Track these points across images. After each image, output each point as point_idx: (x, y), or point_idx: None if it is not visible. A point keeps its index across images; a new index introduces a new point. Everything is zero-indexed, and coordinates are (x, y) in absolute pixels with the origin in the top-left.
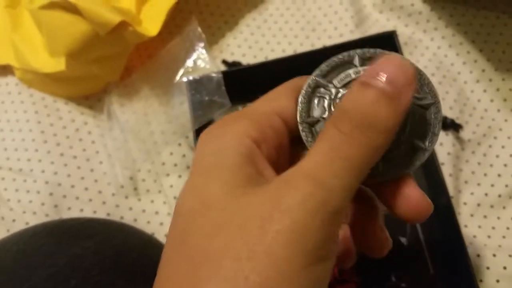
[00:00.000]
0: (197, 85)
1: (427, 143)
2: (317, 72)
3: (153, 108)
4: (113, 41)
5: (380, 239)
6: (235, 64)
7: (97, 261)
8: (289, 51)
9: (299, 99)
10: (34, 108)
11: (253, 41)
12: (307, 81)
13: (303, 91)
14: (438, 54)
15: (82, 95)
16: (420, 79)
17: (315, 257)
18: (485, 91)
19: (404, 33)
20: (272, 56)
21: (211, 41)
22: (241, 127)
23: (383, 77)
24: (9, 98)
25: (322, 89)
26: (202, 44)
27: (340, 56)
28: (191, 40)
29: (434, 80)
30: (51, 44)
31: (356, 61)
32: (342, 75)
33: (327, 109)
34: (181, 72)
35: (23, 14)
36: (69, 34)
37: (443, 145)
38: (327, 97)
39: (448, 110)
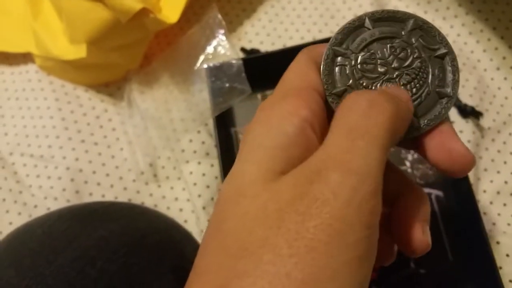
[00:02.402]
0: (217, 72)
1: (450, 90)
2: (332, 41)
3: (173, 96)
4: (134, 28)
5: (419, 241)
6: (253, 51)
7: (123, 243)
8: (308, 38)
9: (321, 72)
10: (54, 96)
11: (271, 29)
12: (325, 52)
13: (323, 63)
14: (457, 41)
15: (102, 82)
16: (430, 32)
17: (356, 250)
18: (505, 78)
19: None
20: (290, 43)
21: (229, 29)
22: (288, 106)
23: None
24: (29, 86)
25: (340, 58)
26: (222, 31)
27: (350, 21)
28: (211, 27)
29: None
30: (71, 32)
31: (368, 23)
32: (358, 40)
33: (350, 76)
34: (201, 59)
35: (43, 2)
36: (90, 21)
37: (463, 133)
38: (348, 64)
39: (468, 97)
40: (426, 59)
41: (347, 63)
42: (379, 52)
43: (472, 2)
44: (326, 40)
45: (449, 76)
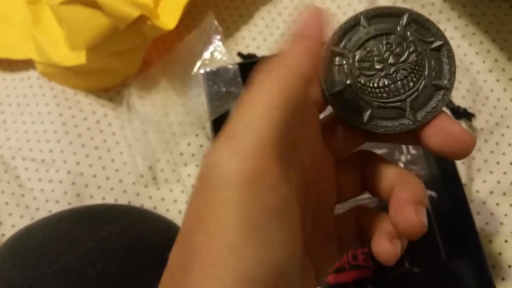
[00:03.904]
0: (214, 77)
1: (446, 82)
2: (329, 42)
3: (171, 100)
4: (132, 34)
5: (412, 221)
6: (250, 56)
7: (123, 243)
8: None
9: (320, 73)
10: (55, 101)
11: (268, 34)
12: (322, 54)
13: (321, 64)
14: (451, 44)
15: (102, 88)
16: (425, 25)
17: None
18: (498, 80)
19: None
20: None
21: (226, 35)
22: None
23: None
24: (30, 92)
25: (338, 58)
26: (218, 37)
27: (346, 21)
28: (208, 33)
29: None
30: (71, 39)
31: (363, 22)
32: (354, 38)
33: (348, 75)
34: (198, 64)
35: (44, 10)
36: (89, 29)
37: None
38: (346, 64)
39: (461, 99)
40: (422, 53)
41: (344, 62)
42: (375, 49)
43: (464, 6)
44: None
45: (446, 68)
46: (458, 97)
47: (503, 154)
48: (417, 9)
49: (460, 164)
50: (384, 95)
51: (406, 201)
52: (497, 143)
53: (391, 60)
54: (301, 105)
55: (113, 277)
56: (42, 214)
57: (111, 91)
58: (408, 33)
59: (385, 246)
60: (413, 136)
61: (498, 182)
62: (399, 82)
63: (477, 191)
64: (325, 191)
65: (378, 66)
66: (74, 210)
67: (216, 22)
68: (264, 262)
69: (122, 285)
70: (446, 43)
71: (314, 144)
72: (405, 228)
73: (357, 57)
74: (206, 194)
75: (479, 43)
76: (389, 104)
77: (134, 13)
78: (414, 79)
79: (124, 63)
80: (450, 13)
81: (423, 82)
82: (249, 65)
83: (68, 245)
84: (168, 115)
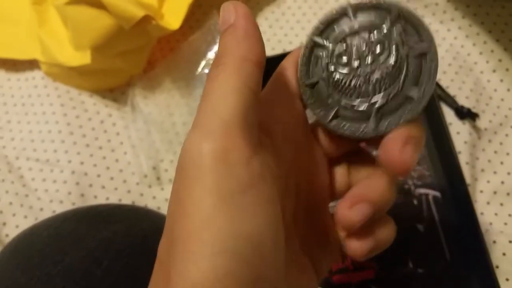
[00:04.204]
0: None
1: (418, 94)
2: (313, 31)
3: (175, 100)
4: (137, 35)
5: (397, 156)
6: None
7: (127, 243)
8: None
9: (299, 62)
10: (59, 101)
11: (272, 34)
12: (306, 41)
13: (301, 53)
14: (454, 44)
15: (107, 88)
16: (415, 25)
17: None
18: (501, 80)
19: None
20: (290, 48)
21: None
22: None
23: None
24: (35, 91)
25: (318, 49)
26: None
27: (333, 11)
28: (212, 33)
29: (451, 70)
30: (76, 39)
31: (350, 13)
32: (338, 31)
33: (324, 68)
34: (202, 64)
35: (49, 10)
36: (94, 29)
37: (460, 134)
38: (324, 56)
39: (464, 99)
40: (403, 56)
41: (324, 54)
42: (355, 44)
43: (468, 6)
44: None
45: (424, 77)
46: (462, 97)
47: (507, 154)
48: (421, 9)
49: (464, 164)
50: (354, 95)
51: (393, 137)
52: (501, 143)
53: (369, 59)
54: (258, 87)
55: (118, 277)
56: (46, 214)
57: (115, 91)
58: (394, 32)
59: (344, 210)
60: (377, 141)
61: (502, 182)
62: (371, 85)
63: (481, 191)
64: (317, 186)
65: (354, 64)
66: (79, 210)
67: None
68: (238, 234)
69: (127, 285)
70: (431, 51)
71: (295, 132)
72: (388, 164)
73: (336, 51)
74: (183, 180)
75: (482, 43)
76: (355, 106)
77: (139, 13)
78: (387, 84)
79: (128, 63)
80: (454, 13)
81: (395, 90)
82: None
83: (73, 245)
84: (172, 115)
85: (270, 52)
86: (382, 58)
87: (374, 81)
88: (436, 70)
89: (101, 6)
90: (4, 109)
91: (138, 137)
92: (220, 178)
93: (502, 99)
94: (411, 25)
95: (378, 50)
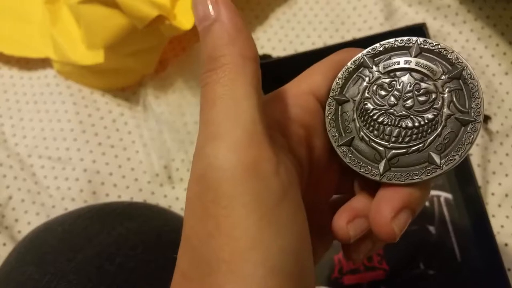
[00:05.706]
0: None
1: (443, 161)
2: (368, 49)
3: (186, 100)
4: (150, 34)
5: (384, 224)
6: (266, 57)
7: (140, 240)
8: (319, 44)
9: (339, 74)
10: (72, 100)
11: (283, 35)
12: (355, 57)
13: (346, 66)
14: (466, 47)
15: (119, 87)
16: (471, 91)
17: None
18: None
19: (432, 26)
20: (302, 49)
21: None
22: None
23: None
24: (47, 90)
25: (366, 70)
26: None
27: (399, 39)
28: None
29: None
30: (89, 38)
31: (413, 50)
32: (391, 60)
33: (361, 91)
34: None
35: (62, 9)
36: (107, 28)
37: None
38: (367, 80)
39: None
40: (443, 116)
41: (367, 78)
42: (402, 81)
43: (480, 9)
44: (338, 46)
45: (455, 146)
46: None
47: None
48: (433, 11)
49: (475, 167)
50: (376, 131)
51: (387, 200)
52: None
53: (408, 103)
54: (260, 86)
55: (131, 273)
56: (58, 211)
57: (127, 90)
58: (447, 89)
59: (342, 224)
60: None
61: None
62: (397, 128)
63: (493, 194)
64: (321, 180)
65: (391, 101)
66: (92, 207)
67: None
68: (284, 249)
69: (140, 281)
70: (475, 122)
71: (301, 128)
72: (374, 226)
73: (380, 79)
74: (210, 194)
75: (495, 46)
76: (372, 142)
77: (153, 13)
78: (414, 136)
79: (140, 63)
80: (466, 15)
81: (419, 146)
82: (264, 65)
83: (87, 241)
84: (183, 115)
85: (281, 53)
86: (422, 108)
87: (403, 126)
88: (472, 143)
89: (114, 6)
90: (17, 107)
91: (150, 136)
92: (257, 194)
93: None
94: (466, 88)
95: (422, 98)
